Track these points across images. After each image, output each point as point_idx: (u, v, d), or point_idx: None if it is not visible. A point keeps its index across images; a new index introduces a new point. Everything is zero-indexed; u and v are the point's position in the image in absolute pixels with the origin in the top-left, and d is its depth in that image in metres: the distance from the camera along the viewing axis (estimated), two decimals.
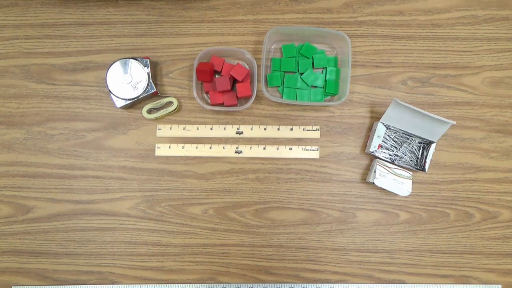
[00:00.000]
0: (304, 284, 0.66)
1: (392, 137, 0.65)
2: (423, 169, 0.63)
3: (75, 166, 0.66)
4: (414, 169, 0.64)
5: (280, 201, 0.67)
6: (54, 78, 0.67)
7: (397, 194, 0.65)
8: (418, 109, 0.59)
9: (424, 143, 0.64)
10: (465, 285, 0.67)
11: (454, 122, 0.58)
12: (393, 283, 0.67)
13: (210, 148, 0.66)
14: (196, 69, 0.62)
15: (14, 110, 0.67)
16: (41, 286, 0.66)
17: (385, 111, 0.66)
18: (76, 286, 0.66)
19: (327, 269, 0.67)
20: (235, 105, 0.64)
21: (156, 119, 0.67)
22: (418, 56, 0.67)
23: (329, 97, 0.67)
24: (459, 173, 0.67)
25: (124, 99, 0.63)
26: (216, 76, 0.65)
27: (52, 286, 0.66)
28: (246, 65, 0.67)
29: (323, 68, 0.66)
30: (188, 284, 0.66)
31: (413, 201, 0.67)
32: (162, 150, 0.66)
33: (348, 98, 0.67)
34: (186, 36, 0.67)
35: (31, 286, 0.66)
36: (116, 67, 0.63)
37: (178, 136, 0.67)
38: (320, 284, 0.66)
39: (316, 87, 0.66)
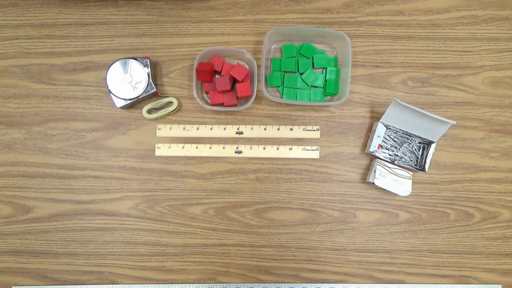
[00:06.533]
0: (304, 284, 0.66)
1: (392, 137, 0.65)
2: (423, 169, 0.63)
3: (75, 166, 0.66)
4: (414, 169, 0.64)
5: (280, 201, 0.67)
6: (54, 78, 0.67)
7: (397, 194, 0.65)
8: (418, 109, 0.59)
9: (424, 143, 0.64)
10: (465, 285, 0.67)
11: (454, 122, 0.58)
12: (393, 283, 0.67)
13: (210, 148, 0.66)
14: (196, 69, 0.62)
15: (14, 110, 0.67)
16: (41, 286, 0.66)
17: (385, 111, 0.66)
18: (76, 286, 0.66)
19: (327, 269, 0.67)
20: (235, 105, 0.64)
21: (156, 119, 0.67)
22: (418, 56, 0.67)
23: (329, 97, 0.67)
24: (459, 173, 0.67)
25: (124, 99, 0.63)
26: (216, 76, 0.65)
27: (52, 286, 0.66)
28: (246, 65, 0.67)
29: (323, 68, 0.66)
30: (188, 284, 0.66)
31: (413, 201, 0.67)
32: (162, 150, 0.66)
33: (348, 98, 0.67)
34: (186, 36, 0.67)
35: (31, 286, 0.66)
36: (116, 67, 0.63)
37: (178, 136, 0.67)
38: (320, 284, 0.66)
39: (316, 87, 0.66)
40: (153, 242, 0.66)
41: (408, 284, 0.67)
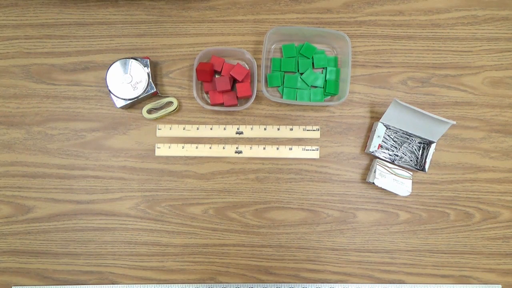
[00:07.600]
0: (304, 284, 0.66)
1: (392, 137, 0.65)
2: (423, 169, 0.63)
3: (75, 166, 0.66)
4: (414, 169, 0.64)
5: (280, 201, 0.67)
6: (54, 78, 0.67)
7: (397, 194, 0.65)
8: (418, 109, 0.59)
9: (424, 143, 0.64)
10: (465, 285, 0.67)
11: (454, 122, 0.58)
12: (393, 283, 0.67)
13: (210, 148, 0.66)
14: (196, 69, 0.62)
15: (14, 110, 0.67)
16: (41, 286, 0.66)
17: (385, 111, 0.66)
18: (76, 286, 0.66)
19: (327, 269, 0.67)
20: (235, 105, 0.64)
21: (156, 119, 0.67)
22: (418, 56, 0.67)
23: (329, 97, 0.67)
24: (459, 173, 0.67)
25: (124, 99, 0.63)
26: (216, 76, 0.65)
27: (52, 286, 0.66)
28: (246, 65, 0.67)
29: (323, 68, 0.66)
30: (188, 284, 0.66)
31: (413, 201, 0.67)
32: (162, 150, 0.66)
33: (348, 98, 0.67)
34: (186, 36, 0.67)
35: (31, 286, 0.66)
36: (116, 67, 0.63)
37: (178, 136, 0.67)
38: (320, 284, 0.66)
39: (316, 87, 0.66)
40: (153, 242, 0.66)
41: (408, 284, 0.67)
